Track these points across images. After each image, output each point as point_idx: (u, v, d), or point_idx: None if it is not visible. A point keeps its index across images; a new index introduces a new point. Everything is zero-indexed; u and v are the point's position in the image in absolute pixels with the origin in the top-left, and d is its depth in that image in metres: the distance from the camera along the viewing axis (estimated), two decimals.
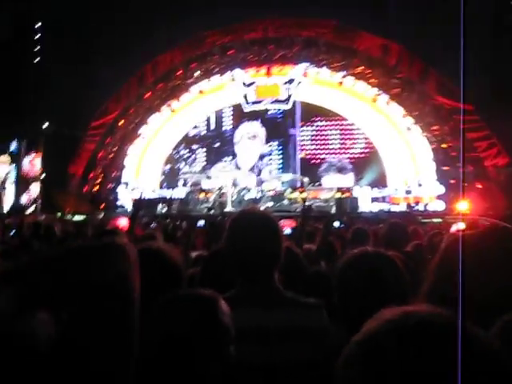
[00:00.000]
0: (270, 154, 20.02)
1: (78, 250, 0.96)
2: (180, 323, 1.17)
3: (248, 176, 18.62)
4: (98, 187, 20.08)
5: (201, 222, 7.01)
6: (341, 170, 18.59)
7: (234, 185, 17.53)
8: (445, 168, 16.92)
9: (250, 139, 20.00)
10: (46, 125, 19.36)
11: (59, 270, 0.90)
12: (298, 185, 17.96)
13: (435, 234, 4.59)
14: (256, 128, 20.01)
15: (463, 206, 14.54)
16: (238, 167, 19.83)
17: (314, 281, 2.44)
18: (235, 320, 1.28)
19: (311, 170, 19.05)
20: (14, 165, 20.84)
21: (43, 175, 20.33)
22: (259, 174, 19.13)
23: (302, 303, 1.73)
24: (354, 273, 1.58)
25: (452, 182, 16.61)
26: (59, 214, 16.17)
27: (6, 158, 20.81)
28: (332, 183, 18.10)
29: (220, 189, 17.28)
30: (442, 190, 16.59)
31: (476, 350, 0.68)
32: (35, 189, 20.70)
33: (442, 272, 1.40)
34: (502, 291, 1.26)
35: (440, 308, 0.73)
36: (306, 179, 18.13)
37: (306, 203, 15.20)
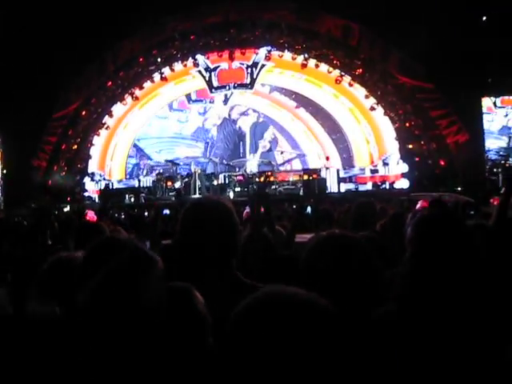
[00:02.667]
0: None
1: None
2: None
3: (215, 161, 18.55)
4: (62, 180, 19.63)
5: (166, 211, 6.96)
6: None
7: (202, 171, 17.45)
8: (409, 146, 17.22)
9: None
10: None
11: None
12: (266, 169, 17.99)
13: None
14: None
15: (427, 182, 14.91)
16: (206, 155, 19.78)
17: (283, 264, 2.46)
18: None
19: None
20: None
21: (4, 171, 19.77)
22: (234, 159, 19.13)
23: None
24: (321, 256, 1.55)
25: (416, 159, 16.96)
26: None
27: None
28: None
29: (187, 176, 17.20)
30: (405, 168, 16.92)
31: None
32: None
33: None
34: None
35: (307, 292, 0.84)
36: (273, 162, 18.21)
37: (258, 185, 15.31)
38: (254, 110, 19.77)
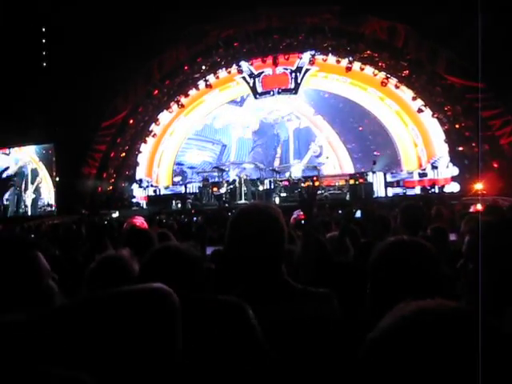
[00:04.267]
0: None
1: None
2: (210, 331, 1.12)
3: (260, 167, 18.57)
4: (112, 187, 20.20)
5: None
6: None
7: (247, 177, 17.52)
8: (459, 148, 16.71)
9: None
10: (57, 128, 19.53)
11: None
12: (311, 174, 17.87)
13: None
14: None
15: (479, 186, 14.43)
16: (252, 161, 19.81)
17: (338, 272, 2.41)
18: None
19: None
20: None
21: (57, 178, 20.51)
22: (272, 165, 19.11)
23: (310, 294, 1.70)
24: (391, 262, 1.52)
25: (467, 162, 16.41)
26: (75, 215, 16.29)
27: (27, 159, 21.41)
28: None
29: (233, 182, 17.28)
30: (455, 171, 16.42)
31: (497, 346, 0.66)
32: (52, 192, 21.01)
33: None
34: None
35: (456, 303, 0.71)
36: (319, 167, 18.07)
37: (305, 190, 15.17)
38: (297, 116, 19.70)
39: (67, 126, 17.64)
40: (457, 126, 16.79)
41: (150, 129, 20.45)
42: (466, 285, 1.49)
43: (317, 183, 16.63)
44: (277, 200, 15.67)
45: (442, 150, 17.16)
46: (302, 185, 16.54)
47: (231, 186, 17.04)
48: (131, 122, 20.22)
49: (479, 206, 8.45)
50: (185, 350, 1.02)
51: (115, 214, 16.33)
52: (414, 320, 0.68)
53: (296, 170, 18.33)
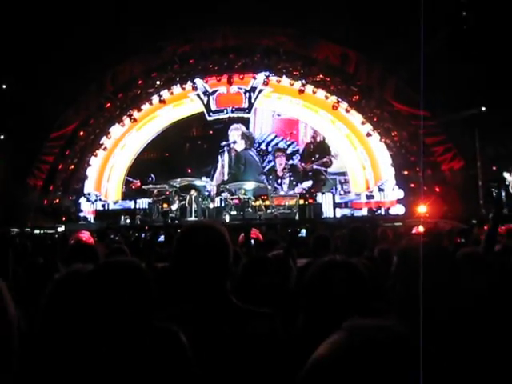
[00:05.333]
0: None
1: None
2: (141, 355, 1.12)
3: (211, 185, 18.55)
4: (58, 200, 19.61)
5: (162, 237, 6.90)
6: None
7: (198, 194, 17.43)
8: (405, 172, 17.33)
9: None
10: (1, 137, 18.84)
11: None
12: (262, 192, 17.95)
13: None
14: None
15: (423, 209, 14.98)
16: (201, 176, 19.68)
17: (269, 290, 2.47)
18: (185, 334, 1.25)
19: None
20: None
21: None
22: (223, 183, 19.07)
23: (253, 313, 1.73)
24: (322, 281, 1.56)
25: (412, 185, 17.04)
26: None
27: None
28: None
29: (183, 199, 17.16)
30: (401, 194, 17.00)
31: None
32: None
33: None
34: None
35: (389, 322, 0.73)
36: (269, 187, 18.20)
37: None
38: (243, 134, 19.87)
39: (13, 135, 17.08)
40: (403, 150, 17.45)
41: (101, 142, 20.06)
42: (394, 304, 1.56)
43: (267, 202, 16.78)
44: (227, 218, 15.69)
45: (388, 173, 17.74)
46: (252, 203, 16.64)
47: (182, 203, 16.92)
48: (81, 133, 19.78)
49: (421, 228, 8.80)
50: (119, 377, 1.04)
51: (61, 228, 15.86)
52: (364, 350, 0.68)
53: (246, 189, 18.31)
